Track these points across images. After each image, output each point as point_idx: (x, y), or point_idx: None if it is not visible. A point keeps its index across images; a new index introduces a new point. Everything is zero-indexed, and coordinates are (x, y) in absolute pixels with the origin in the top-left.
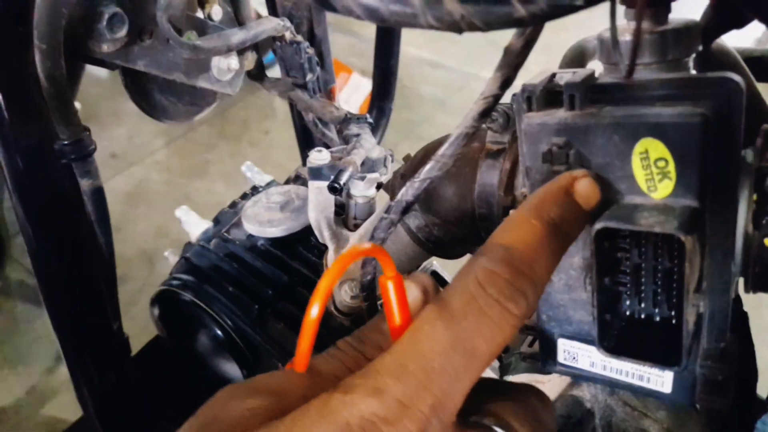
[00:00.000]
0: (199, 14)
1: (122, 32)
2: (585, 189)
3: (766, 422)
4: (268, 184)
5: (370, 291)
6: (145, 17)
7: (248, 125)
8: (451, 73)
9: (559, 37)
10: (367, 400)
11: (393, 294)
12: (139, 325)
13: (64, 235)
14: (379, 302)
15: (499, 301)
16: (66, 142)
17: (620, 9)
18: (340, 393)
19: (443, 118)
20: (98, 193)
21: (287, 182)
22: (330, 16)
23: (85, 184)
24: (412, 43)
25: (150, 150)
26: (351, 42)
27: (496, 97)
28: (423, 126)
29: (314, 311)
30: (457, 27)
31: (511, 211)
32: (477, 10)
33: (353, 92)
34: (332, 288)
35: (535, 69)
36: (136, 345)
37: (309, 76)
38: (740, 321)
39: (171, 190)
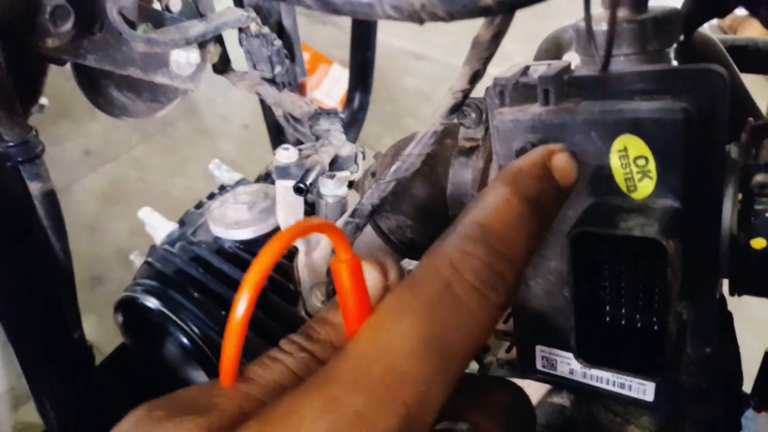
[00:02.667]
0: (156, 5)
1: (67, 25)
2: (563, 163)
3: (749, 417)
4: (238, 183)
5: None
6: (94, 9)
7: (227, 119)
8: (435, 65)
9: (542, 26)
10: (321, 418)
11: (348, 281)
12: (115, 329)
13: (14, 242)
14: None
15: (477, 288)
16: (11, 144)
17: None
18: (286, 408)
19: (427, 111)
20: (50, 197)
21: (258, 180)
22: None
23: (34, 187)
24: (395, 34)
25: (126, 146)
26: (332, 33)
27: (465, 92)
28: (407, 118)
29: (240, 309)
30: (417, 17)
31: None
32: None
33: (334, 84)
34: (266, 275)
35: (518, 59)
36: (112, 348)
37: (277, 69)
38: (725, 322)
39: (148, 187)
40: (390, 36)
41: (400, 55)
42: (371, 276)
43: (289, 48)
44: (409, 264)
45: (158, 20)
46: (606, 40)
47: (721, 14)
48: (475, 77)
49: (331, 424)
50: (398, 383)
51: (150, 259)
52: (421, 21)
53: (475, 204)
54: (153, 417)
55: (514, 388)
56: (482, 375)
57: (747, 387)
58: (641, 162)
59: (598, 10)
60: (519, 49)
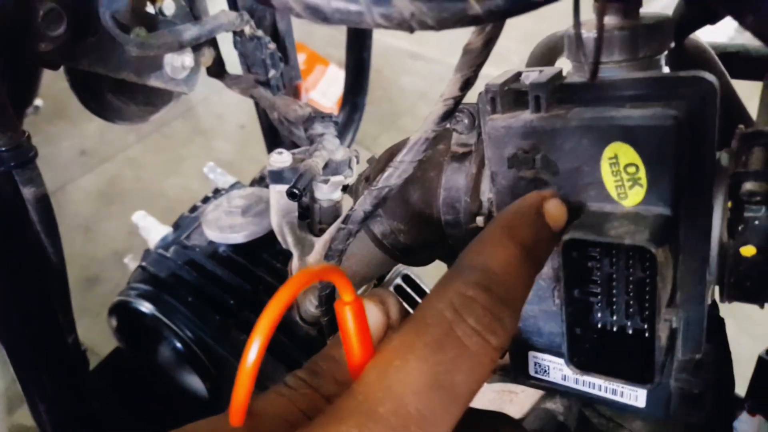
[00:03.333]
0: (150, 9)
1: (60, 29)
2: (554, 209)
3: (743, 420)
4: (232, 186)
5: (329, 305)
6: (88, 13)
7: (223, 119)
8: (432, 64)
9: (540, 27)
10: None
11: (351, 323)
12: (110, 330)
13: (7, 247)
14: None
15: (478, 332)
16: (4, 149)
17: (588, 2)
18: None
19: (424, 110)
20: (43, 201)
21: (252, 183)
22: None
23: (27, 192)
24: (392, 34)
25: (122, 146)
26: (329, 33)
27: (457, 100)
28: (404, 118)
29: (252, 355)
30: (407, 26)
31: (481, 219)
32: (429, 8)
33: (330, 85)
34: (275, 326)
35: (516, 59)
36: (108, 350)
37: (272, 73)
38: (716, 327)
39: (144, 187)
40: (387, 35)
41: (397, 55)
42: (373, 314)
43: (284, 51)
44: (404, 269)
45: (152, 24)
46: (594, 49)
47: (712, 21)
48: (467, 84)
49: None
50: (404, 423)
51: (144, 263)
52: (411, 30)
53: (475, 248)
54: None
55: (512, 423)
56: (480, 410)
57: (742, 390)
58: (632, 169)
59: (590, 16)
60: (518, 49)
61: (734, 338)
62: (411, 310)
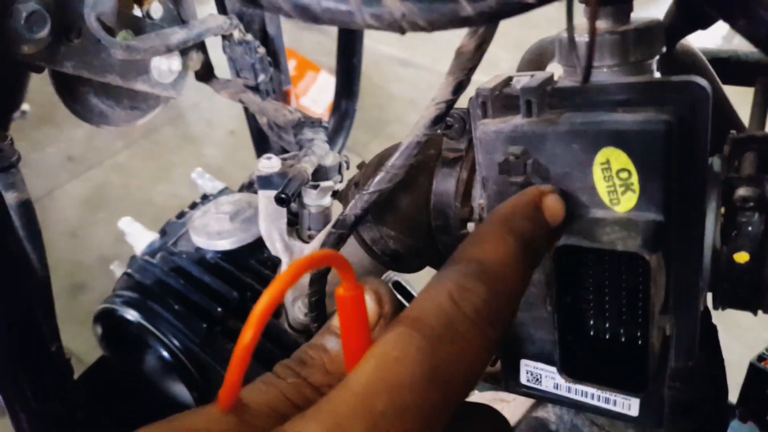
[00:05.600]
0: (137, 12)
1: (44, 32)
2: (553, 205)
3: (734, 428)
4: (221, 192)
5: (319, 312)
6: (72, 15)
7: (213, 125)
8: (423, 72)
9: (530, 34)
10: None
11: (352, 312)
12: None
13: None
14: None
15: (476, 324)
16: None
17: (580, 7)
18: None
19: (414, 117)
20: (25, 206)
21: (241, 189)
22: None
23: (10, 197)
24: (383, 41)
25: (109, 152)
26: (319, 40)
27: (449, 103)
28: (394, 125)
29: (249, 334)
30: (397, 27)
31: (472, 225)
32: (420, 8)
33: (321, 92)
34: (273, 307)
35: (505, 67)
36: (95, 359)
37: (261, 77)
38: (709, 335)
39: (132, 194)
40: (378, 43)
41: (388, 62)
42: (366, 303)
43: (273, 55)
44: (395, 276)
45: (138, 27)
46: (586, 51)
47: (704, 26)
48: (459, 88)
49: None
50: (400, 416)
51: (130, 270)
52: (402, 31)
53: (472, 240)
54: None
55: (497, 416)
56: (468, 403)
57: (734, 397)
58: (624, 175)
59: (582, 20)
60: (508, 57)
61: (725, 345)
62: (407, 303)
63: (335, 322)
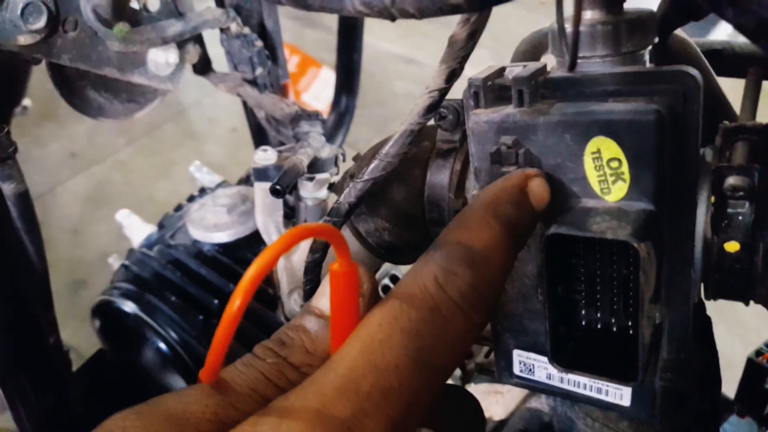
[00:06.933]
0: (134, 4)
1: (40, 23)
2: (538, 189)
3: (732, 423)
4: (219, 185)
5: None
6: (68, 7)
7: (214, 122)
8: (424, 69)
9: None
10: (308, 428)
11: (344, 289)
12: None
13: None
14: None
15: (461, 308)
16: None
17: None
18: (273, 417)
19: None
20: (23, 198)
21: (239, 183)
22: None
23: (7, 188)
24: (385, 38)
25: (112, 149)
26: (321, 36)
27: (442, 92)
28: (395, 122)
29: (236, 302)
30: (387, 13)
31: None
32: None
33: (323, 87)
34: (263, 275)
35: (503, 60)
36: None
37: (258, 71)
38: (703, 327)
39: (133, 190)
40: (380, 40)
41: (390, 59)
42: (361, 281)
43: (271, 49)
44: (391, 269)
45: (135, 19)
46: (571, 39)
47: (696, 17)
48: (452, 76)
49: None
50: (385, 398)
51: (127, 262)
52: (392, 18)
53: (458, 224)
54: (130, 424)
55: (470, 399)
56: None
57: (732, 392)
58: (615, 164)
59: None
60: (504, 54)
61: (727, 344)
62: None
63: (315, 302)
